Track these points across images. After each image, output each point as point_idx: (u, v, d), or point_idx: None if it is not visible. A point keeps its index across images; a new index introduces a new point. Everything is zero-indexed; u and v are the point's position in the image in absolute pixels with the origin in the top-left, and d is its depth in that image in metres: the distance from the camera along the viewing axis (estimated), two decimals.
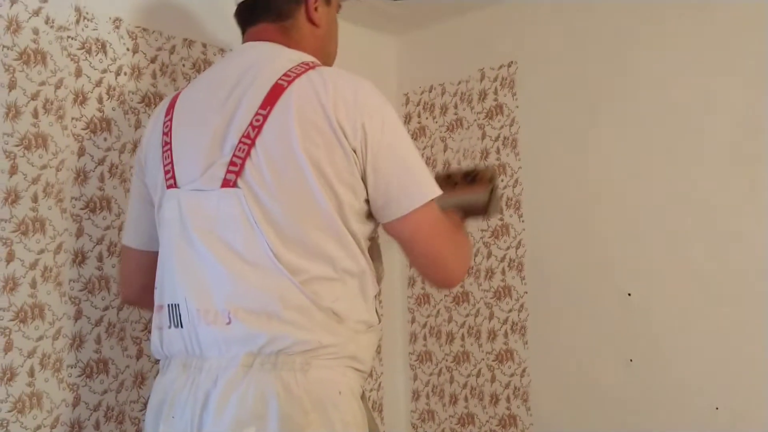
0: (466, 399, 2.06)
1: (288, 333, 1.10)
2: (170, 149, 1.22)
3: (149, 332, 1.50)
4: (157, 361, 1.46)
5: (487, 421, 2.00)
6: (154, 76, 1.65)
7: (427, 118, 2.22)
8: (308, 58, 1.20)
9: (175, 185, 1.19)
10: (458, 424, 2.06)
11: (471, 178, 1.75)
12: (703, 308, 1.63)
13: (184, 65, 1.71)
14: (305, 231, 1.13)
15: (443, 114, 2.18)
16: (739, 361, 1.58)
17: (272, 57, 1.20)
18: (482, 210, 1.71)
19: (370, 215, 1.19)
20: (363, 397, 1.21)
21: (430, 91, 2.20)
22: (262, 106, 1.13)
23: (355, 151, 1.13)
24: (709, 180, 1.64)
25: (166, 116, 1.26)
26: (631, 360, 1.72)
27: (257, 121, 1.13)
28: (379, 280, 1.25)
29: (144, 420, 1.23)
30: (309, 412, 1.08)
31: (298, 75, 1.14)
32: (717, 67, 1.64)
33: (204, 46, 1.75)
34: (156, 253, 1.29)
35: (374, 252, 1.25)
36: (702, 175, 1.65)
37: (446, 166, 2.13)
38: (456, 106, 2.15)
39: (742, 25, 1.62)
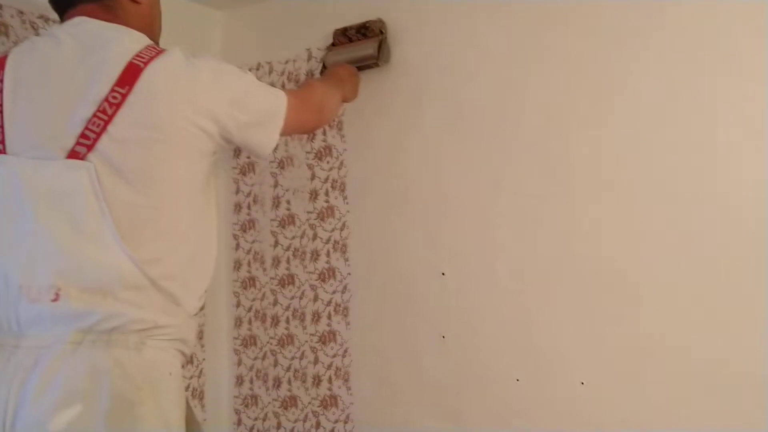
0: (289, 382, 2.04)
1: (124, 311, 1.10)
2: (1, 113, 1.16)
3: None
4: None
5: (309, 403, 1.99)
6: None
7: None
8: (149, 41, 1.22)
9: (4, 151, 1.15)
10: (281, 408, 2.04)
11: (363, 32, 1.87)
12: (508, 285, 1.70)
13: None
14: (155, 210, 1.15)
15: None
16: (537, 334, 1.66)
17: (115, 35, 1.20)
18: (374, 59, 1.84)
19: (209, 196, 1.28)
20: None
21: (258, 69, 2.15)
22: (119, 84, 1.13)
23: (220, 128, 1.21)
24: (517, 163, 1.71)
25: None
26: (443, 336, 1.78)
27: (114, 98, 1.12)
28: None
29: None
30: (141, 389, 1.09)
31: (153, 58, 1.16)
32: (522, 62, 1.72)
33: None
34: None
35: (211, 237, 1.27)
36: (510, 156, 1.72)
37: None
38: (284, 86, 2.11)
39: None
